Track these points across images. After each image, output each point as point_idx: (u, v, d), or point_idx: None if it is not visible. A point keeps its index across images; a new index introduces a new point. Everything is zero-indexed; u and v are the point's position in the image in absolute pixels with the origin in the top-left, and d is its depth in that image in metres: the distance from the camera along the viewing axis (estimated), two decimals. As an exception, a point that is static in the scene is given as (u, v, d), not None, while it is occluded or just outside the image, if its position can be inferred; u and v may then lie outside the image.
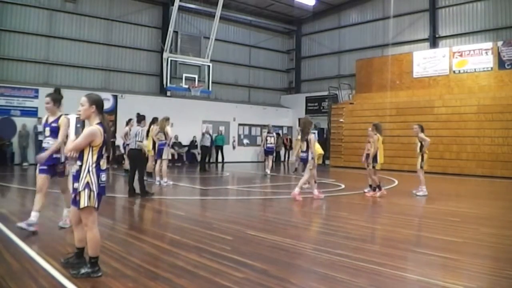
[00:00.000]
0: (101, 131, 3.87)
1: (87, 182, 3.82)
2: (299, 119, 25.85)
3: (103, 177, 3.93)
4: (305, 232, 6.24)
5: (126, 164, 12.79)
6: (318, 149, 11.35)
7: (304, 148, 9.27)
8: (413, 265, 4.69)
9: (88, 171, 3.83)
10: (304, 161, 9.37)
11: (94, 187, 3.83)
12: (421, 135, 10.08)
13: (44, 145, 5.58)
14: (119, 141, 16.40)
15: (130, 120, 13.52)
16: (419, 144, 10.15)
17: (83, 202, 3.79)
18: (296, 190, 8.97)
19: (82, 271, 3.86)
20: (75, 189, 3.91)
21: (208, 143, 17.01)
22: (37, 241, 5.15)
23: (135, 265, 4.30)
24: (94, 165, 3.85)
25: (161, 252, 4.88)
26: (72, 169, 4.23)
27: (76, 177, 3.89)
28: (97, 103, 3.93)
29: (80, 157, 3.85)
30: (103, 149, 3.93)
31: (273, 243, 5.37)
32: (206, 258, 4.56)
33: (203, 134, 17.39)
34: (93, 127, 3.86)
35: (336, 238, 5.81)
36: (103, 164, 3.96)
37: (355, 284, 3.85)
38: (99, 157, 3.90)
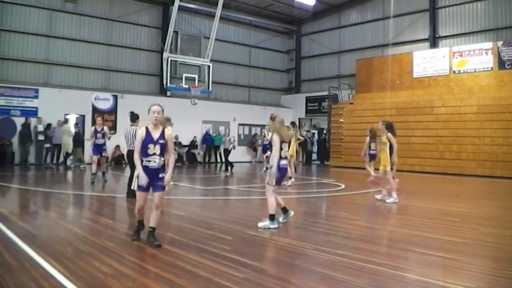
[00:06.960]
0: None
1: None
2: (299, 119, 25.88)
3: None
4: (305, 232, 6.23)
5: None
6: (291, 150, 11.79)
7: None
8: (413, 265, 4.69)
9: None
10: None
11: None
12: (389, 135, 8.90)
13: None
14: (119, 141, 16.40)
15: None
16: (388, 144, 8.92)
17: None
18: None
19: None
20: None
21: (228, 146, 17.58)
22: (37, 241, 5.15)
23: (135, 265, 4.30)
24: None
25: (161, 252, 4.87)
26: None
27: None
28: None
29: None
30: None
31: (273, 243, 5.37)
32: (206, 258, 4.56)
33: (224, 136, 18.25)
34: None
35: (336, 238, 5.81)
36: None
37: (355, 284, 3.85)
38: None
